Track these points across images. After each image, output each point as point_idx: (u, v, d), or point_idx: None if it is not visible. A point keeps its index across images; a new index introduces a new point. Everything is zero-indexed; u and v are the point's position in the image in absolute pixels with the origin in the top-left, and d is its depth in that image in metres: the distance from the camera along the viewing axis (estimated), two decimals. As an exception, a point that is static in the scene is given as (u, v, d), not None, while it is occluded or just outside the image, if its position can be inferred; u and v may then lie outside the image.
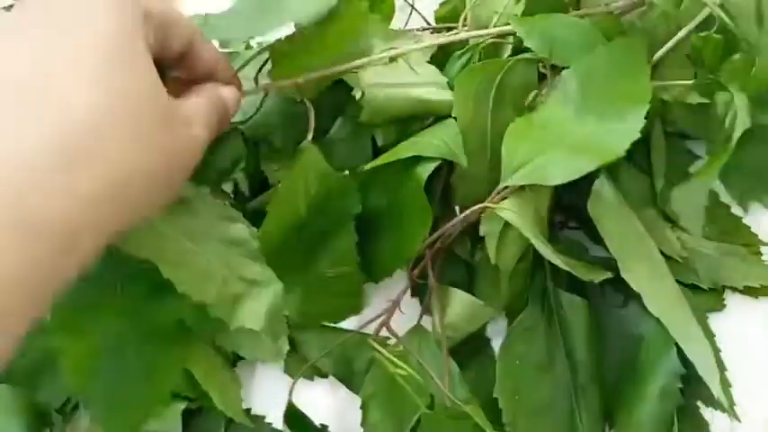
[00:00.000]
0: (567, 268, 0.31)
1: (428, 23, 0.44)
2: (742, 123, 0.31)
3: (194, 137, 0.26)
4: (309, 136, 0.32)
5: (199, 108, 0.27)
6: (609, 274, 0.32)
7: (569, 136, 0.30)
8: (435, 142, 0.31)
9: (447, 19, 0.43)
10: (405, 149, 0.32)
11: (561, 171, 0.29)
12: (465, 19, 0.37)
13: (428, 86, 0.35)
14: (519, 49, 0.34)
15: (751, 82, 0.32)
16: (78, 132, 0.21)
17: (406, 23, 0.42)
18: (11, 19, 0.23)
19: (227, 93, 0.29)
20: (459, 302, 0.35)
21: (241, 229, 0.30)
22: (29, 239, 0.19)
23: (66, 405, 0.37)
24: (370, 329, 0.35)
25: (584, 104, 0.31)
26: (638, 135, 0.29)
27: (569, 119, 0.31)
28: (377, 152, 0.36)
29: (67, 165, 0.20)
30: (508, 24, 0.34)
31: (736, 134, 0.31)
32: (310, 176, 0.32)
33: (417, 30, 0.42)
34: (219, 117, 0.28)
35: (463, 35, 0.35)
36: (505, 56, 0.35)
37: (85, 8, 0.23)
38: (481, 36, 0.35)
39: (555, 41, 0.33)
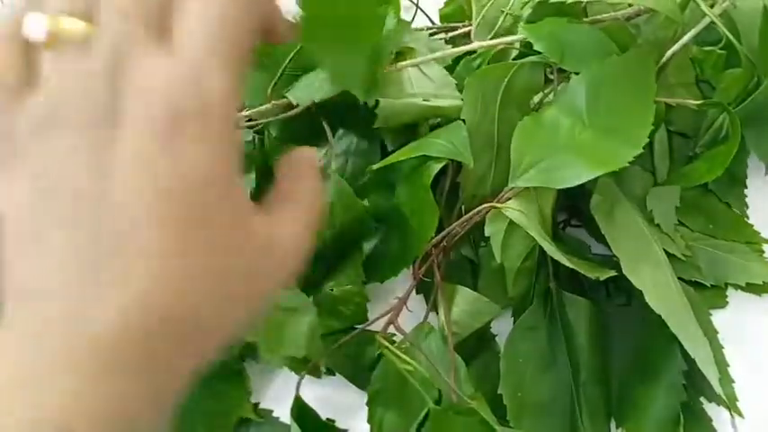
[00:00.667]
0: (572, 266, 0.31)
1: (432, 22, 0.44)
2: (730, 136, 0.31)
3: (288, 273, 0.21)
4: (334, 165, 0.32)
5: (296, 239, 0.21)
6: (613, 272, 0.32)
7: (576, 141, 0.30)
8: (442, 143, 0.32)
9: (452, 17, 0.43)
10: (413, 150, 0.32)
11: (568, 175, 0.29)
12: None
13: (438, 90, 0.35)
14: (525, 53, 0.34)
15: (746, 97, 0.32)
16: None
17: (411, 22, 0.42)
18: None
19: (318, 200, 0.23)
20: (465, 299, 0.36)
21: None
22: None
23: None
24: (376, 326, 0.36)
25: (590, 113, 0.31)
26: (641, 150, 0.29)
27: (576, 124, 0.31)
28: (385, 154, 0.36)
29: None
30: (515, 25, 0.35)
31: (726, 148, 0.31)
32: (337, 209, 0.32)
33: (421, 29, 0.42)
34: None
35: (475, 45, 0.35)
36: (512, 59, 0.36)
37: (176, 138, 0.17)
38: (492, 46, 0.35)
39: (566, 46, 0.33)
